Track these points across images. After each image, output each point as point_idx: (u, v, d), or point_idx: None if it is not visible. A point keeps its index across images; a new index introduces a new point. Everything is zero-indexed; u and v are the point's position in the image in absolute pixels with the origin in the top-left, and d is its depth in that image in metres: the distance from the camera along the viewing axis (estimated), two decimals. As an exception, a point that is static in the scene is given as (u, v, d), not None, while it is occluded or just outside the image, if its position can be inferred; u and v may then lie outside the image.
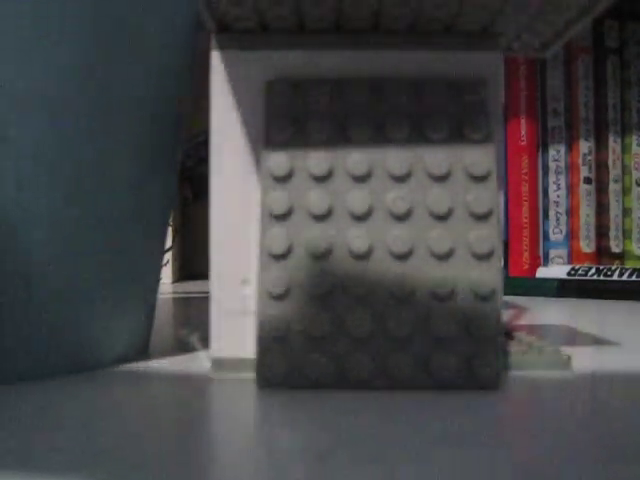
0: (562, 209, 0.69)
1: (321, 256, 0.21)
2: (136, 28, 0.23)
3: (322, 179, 0.22)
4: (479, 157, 0.22)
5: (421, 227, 0.21)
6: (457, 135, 0.22)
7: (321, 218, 0.21)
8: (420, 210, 0.21)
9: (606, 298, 0.53)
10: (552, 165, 0.69)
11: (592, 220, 0.69)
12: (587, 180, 0.69)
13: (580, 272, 0.57)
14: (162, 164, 0.27)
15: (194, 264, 0.84)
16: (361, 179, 0.22)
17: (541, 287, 0.57)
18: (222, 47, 0.23)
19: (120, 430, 0.16)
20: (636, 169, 0.70)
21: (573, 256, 0.69)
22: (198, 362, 0.25)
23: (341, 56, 0.23)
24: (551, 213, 0.69)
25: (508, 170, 0.70)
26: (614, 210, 0.69)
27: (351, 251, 0.21)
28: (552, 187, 0.69)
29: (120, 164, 0.24)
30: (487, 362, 0.20)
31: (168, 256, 0.77)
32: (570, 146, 0.69)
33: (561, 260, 0.69)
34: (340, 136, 0.22)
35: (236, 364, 0.23)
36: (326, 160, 0.22)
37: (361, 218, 0.21)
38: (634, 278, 0.53)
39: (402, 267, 0.21)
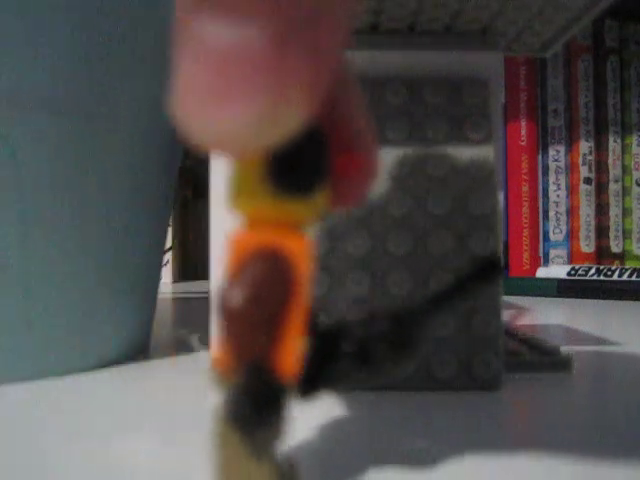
0: (562, 209, 0.69)
1: (320, 257, 0.21)
2: (137, 26, 0.23)
3: (322, 179, 0.22)
4: (479, 157, 0.22)
5: (421, 228, 0.21)
6: (457, 135, 0.22)
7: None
8: (420, 211, 0.21)
9: (606, 298, 0.53)
10: (552, 165, 0.69)
11: (592, 220, 0.69)
12: (587, 180, 0.69)
13: (580, 272, 0.57)
14: (162, 164, 0.27)
15: (194, 264, 0.84)
16: (361, 179, 0.22)
17: (541, 287, 0.57)
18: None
19: (119, 430, 0.16)
20: (636, 169, 0.70)
21: (573, 256, 0.69)
22: (198, 362, 0.25)
23: (341, 56, 0.23)
24: (551, 213, 0.69)
25: (508, 170, 0.70)
26: (614, 210, 0.69)
27: (349, 254, 0.21)
28: (552, 187, 0.69)
29: (120, 164, 0.24)
30: (487, 362, 0.20)
31: (168, 256, 0.77)
32: (570, 146, 0.69)
33: (561, 260, 0.69)
34: (340, 136, 0.22)
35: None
36: (326, 160, 0.22)
37: (360, 220, 0.21)
38: (634, 278, 0.53)
39: (403, 268, 0.21)
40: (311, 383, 0.11)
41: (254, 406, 0.10)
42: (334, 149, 0.11)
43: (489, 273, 0.11)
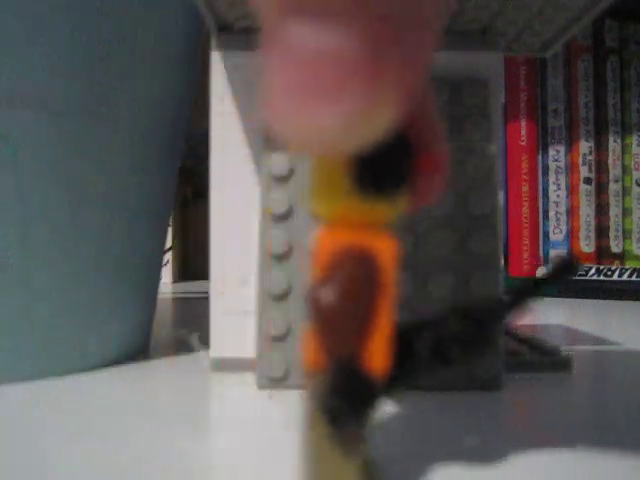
0: (562, 209, 0.69)
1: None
2: (137, 26, 0.23)
3: (322, 179, 0.22)
4: (479, 157, 0.22)
5: (421, 228, 0.21)
6: (457, 135, 0.22)
7: (321, 218, 0.21)
8: (420, 211, 0.21)
9: (606, 298, 0.53)
10: (552, 165, 0.69)
11: (592, 220, 0.69)
12: (587, 180, 0.69)
13: (580, 272, 0.57)
14: (162, 164, 0.27)
15: (194, 264, 0.84)
16: (361, 179, 0.22)
17: (541, 287, 0.57)
18: (222, 47, 0.23)
19: (119, 430, 0.16)
20: (636, 169, 0.70)
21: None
22: (198, 362, 0.25)
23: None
24: (551, 213, 0.69)
25: (508, 170, 0.70)
26: (614, 210, 0.69)
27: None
28: (552, 187, 0.69)
29: (120, 164, 0.24)
30: (487, 363, 0.20)
31: (168, 256, 0.77)
32: (570, 146, 0.69)
33: (561, 260, 0.69)
34: (340, 136, 0.22)
35: (236, 364, 0.23)
36: (326, 160, 0.22)
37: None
38: (634, 278, 0.52)
39: (403, 268, 0.21)
40: (392, 382, 0.11)
41: (346, 401, 0.10)
42: (416, 148, 0.11)
43: (566, 272, 0.11)
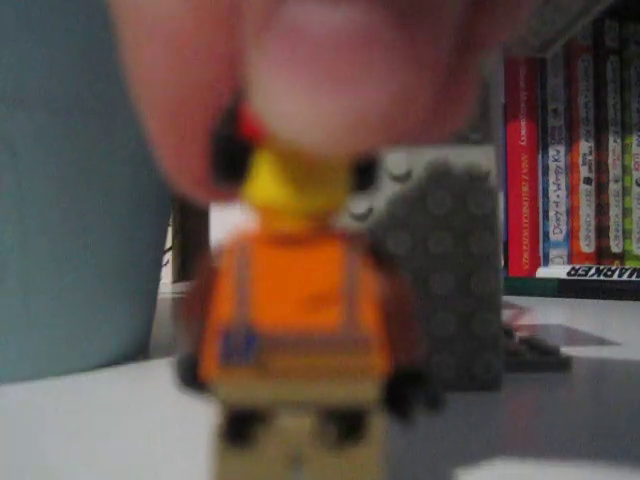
0: (562, 209, 0.69)
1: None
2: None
3: (322, 179, 0.22)
4: (479, 157, 0.22)
5: (421, 228, 0.21)
6: (457, 135, 0.22)
7: (321, 218, 0.21)
8: (420, 211, 0.21)
9: (606, 298, 0.53)
10: (552, 165, 0.69)
11: (592, 220, 0.69)
12: (587, 180, 0.69)
13: (580, 272, 0.57)
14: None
15: (194, 264, 0.84)
16: (361, 179, 0.22)
17: (541, 287, 0.57)
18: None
19: (118, 430, 0.16)
20: (636, 169, 0.70)
21: (573, 256, 0.69)
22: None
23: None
24: (551, 213, 0.69)
25: (508, 170, 0.70)
26: (614, 210, 0.69)
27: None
28: (552, 187, 0.69)
29: (120, 163, 0.24)
30: (487, 363, 0.20)
31: (168, 256, 0.77)
32: (570, 146, 0.69)
33: (561, 260, 0.69)
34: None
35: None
36: (326, 160, 0.22)
37: (361, 219, 0.21)
38: (634, 278, 0.53)
39: (403, 268, 0.21)
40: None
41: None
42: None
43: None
